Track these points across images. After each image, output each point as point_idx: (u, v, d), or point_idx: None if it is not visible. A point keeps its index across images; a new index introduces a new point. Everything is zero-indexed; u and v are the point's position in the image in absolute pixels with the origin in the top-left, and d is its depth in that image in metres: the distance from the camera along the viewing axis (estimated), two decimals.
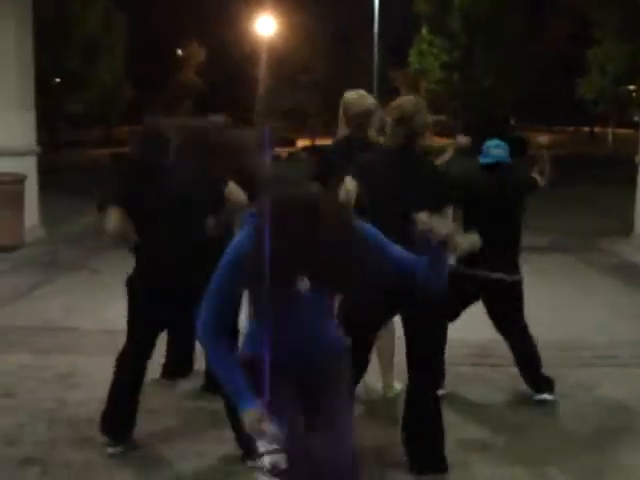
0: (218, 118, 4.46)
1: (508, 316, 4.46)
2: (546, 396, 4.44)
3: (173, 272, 3.62)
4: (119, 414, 3.75)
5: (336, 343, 2.66)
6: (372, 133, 4.21)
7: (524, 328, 4.47)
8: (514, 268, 4.37)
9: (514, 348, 4.49)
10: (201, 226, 3.71)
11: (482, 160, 4.43)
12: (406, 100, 3.79)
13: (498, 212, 4.27)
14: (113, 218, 3.66)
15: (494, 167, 4.40)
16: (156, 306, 3.69)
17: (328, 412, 2.57)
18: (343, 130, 4.32)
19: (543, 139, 5.10)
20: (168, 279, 3.63)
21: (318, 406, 2.57)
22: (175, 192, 3.62)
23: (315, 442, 2.50)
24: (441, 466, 3.52)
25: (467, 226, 3.95)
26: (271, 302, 2.45)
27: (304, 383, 2.59)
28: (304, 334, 2.54)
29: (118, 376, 3.75)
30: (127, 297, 3.74)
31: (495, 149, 4.42)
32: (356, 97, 4.27)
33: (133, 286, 3.74)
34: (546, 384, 4.46)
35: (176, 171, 3.69)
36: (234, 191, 3.78)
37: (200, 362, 4.54)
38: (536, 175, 4.66)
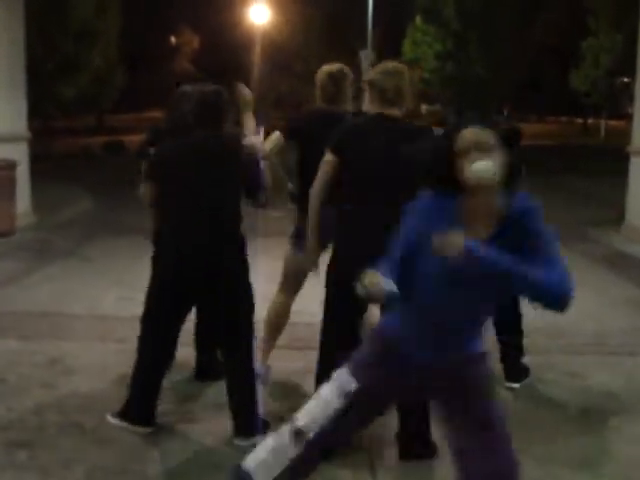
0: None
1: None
2: (511, 384, 4.44)
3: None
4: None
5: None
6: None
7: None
8: None
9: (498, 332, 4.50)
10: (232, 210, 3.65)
11: None
12: (380, 65, 3.65)
13: None
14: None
15: None
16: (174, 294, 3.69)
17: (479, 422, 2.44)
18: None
19: None
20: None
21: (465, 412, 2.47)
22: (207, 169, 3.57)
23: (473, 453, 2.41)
24: (427, 451, 3.49)
25: None
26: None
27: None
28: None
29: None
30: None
31: None
32: (326, 66, 4.18)
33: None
34: (517, 373, 4.45)
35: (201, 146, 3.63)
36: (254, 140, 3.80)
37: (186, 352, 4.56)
38: None
